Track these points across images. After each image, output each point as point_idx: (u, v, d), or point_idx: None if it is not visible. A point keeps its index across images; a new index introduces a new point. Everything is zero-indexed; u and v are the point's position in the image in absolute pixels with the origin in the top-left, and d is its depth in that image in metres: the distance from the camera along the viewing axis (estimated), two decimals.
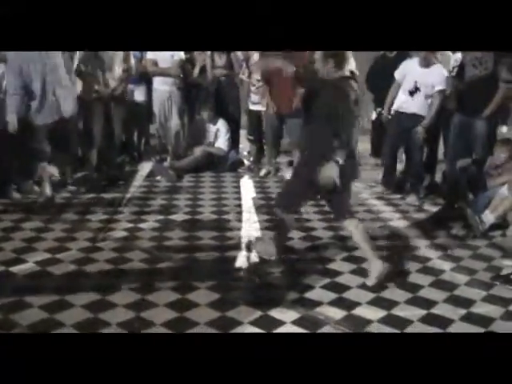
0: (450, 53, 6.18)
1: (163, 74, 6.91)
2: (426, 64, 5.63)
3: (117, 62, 6.09)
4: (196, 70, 7.12)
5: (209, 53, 7.11)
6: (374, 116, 6.51)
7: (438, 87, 5.61)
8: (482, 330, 3.28)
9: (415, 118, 5.71)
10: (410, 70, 5.75)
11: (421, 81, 5.65)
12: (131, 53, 6.55)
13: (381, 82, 6.25)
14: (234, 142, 7.23)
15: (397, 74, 5.86)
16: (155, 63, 6.90)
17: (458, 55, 5.93)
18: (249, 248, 4.42)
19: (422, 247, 4.60)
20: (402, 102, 5.80)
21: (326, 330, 3.25)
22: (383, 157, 6.25)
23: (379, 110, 6.31)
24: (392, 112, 5.92)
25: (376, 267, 3.84)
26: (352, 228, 3.90)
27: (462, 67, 5.59)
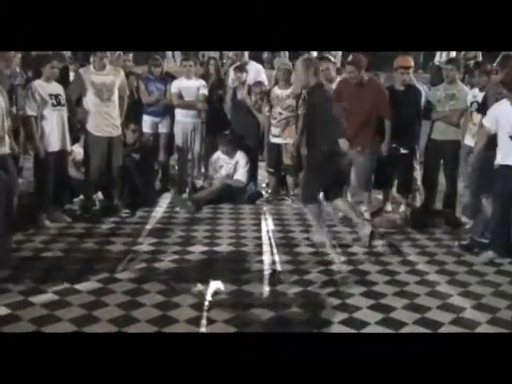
0: (467, 89, 6.17)
1: (190, 107, 7.04)
2: None
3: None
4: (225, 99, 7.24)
5: (232, 85, 7.24)
6: None
7: None
8: None
9: None
10: (503, 114, 4.95)
11: None
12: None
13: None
14: (252, 174, 7.27)
15: (487, 122, 5.11)
16: (180, 96, 7.02)
17: (475, 91, 5.92)
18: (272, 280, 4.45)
19: (443, 283, 4.55)
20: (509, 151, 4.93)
21: None
22: (491, 221, 5.16)
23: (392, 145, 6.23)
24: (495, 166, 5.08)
25: (364, 230, 5.20)
26: (341, 203, 5.33)
27: (484, 102, 5.56)
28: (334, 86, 6.46)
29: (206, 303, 4.03)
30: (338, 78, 6.81)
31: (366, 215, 6.30)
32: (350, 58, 6.05)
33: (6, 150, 4.88)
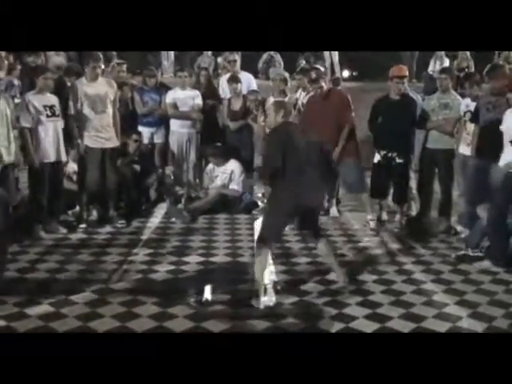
0: (460, 98, 6.20)
1: (185, 117, 7.05)
2: None
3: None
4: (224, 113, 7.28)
5: (227, 96, 7.28)
6: (376, 158, 6.40)
7: None
8: None
9: None
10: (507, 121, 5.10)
11: None
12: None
13: (383, 125, 6.20)
14: (247, 183, 7.27)
15: (503, 127, 5.13)
16: (175, 106, 7.03)
17: (468, 100, 5.95)
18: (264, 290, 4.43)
19: (439, 292, 4.54)
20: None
21: None
22: (488, 226, 5.17)
23: (383, 152, 6.26)
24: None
25: (340, 277, 4.65)
26: (322, 246, 4.66)
27: (476, 111, 5.60)
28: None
29: (202, 314, 4.02)
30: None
31: (372, 224, 6.31)
32: (312, 75, 6.33)
33: (11, 158, 4.89)
